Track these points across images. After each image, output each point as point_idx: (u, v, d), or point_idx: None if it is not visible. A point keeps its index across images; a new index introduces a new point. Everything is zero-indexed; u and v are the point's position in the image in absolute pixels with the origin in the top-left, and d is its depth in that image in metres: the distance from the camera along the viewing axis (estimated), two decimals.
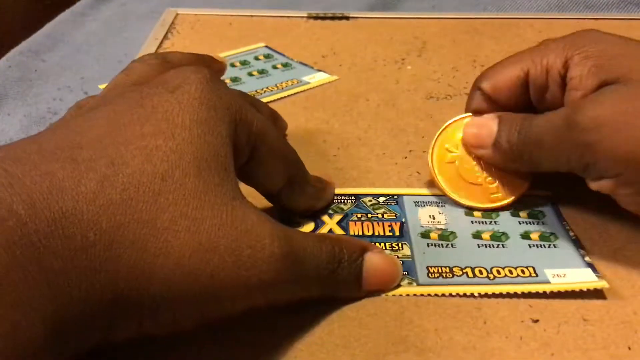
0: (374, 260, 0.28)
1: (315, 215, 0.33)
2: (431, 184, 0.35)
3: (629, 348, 0.26)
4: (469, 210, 0.34)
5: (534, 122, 0.30)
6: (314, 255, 0.26)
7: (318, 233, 0.32)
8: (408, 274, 0.29)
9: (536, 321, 0.27)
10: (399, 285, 0.28)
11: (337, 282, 0.27)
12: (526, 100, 0.33)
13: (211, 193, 0.23)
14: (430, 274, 0.29)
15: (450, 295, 0.28)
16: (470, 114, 0.34)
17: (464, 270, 0.29)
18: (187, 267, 0.22)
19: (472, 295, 0.28)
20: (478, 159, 0.34)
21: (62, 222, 0.20)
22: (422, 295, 0.28)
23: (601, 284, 0.28)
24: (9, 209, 0.20)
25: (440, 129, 0.35)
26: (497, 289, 0.28)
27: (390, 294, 0.28)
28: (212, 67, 0.35)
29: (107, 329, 0.22)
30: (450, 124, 0.35)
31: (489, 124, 0.32)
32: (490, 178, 0.34)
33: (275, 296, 0.25)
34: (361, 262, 0.28)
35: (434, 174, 0.34)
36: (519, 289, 0.28)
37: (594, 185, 0.29)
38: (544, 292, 0.28)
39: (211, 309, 0.23)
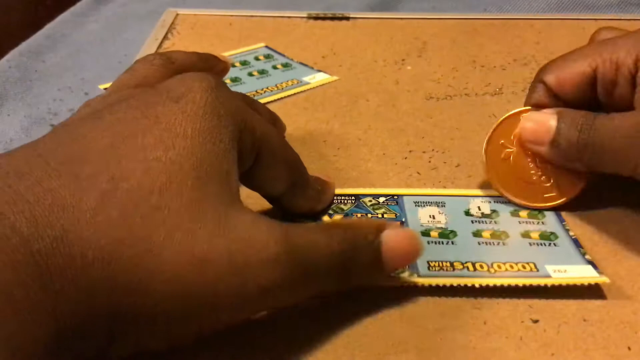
0: (392, 237, 0.26)
1: (315, 216, 0.33)
2: (432, 184, 0.35)
3: (629, 348, 0.26)
4: (522, 208, 0.33)
5: (598, 122, 0.29)
6: (323, 246, 0.25)
7: (326, 223, 0.31)
8: (409, 268, 0.29)
9: (536, 321, 0.27)
10: (400, 276, 0.28)
11: (356, 269, 0.26)
12: (590, 97, 0.32)
13: (207, 202, 0.23)
14: (431, 268, 0.29)
15: (452, 286, 0.28)
16: (528, 108, 0.33)
17: (465, 265, 0.29)
18: (182, 280, 0.22)
19: (472, 287, 0.28)
20: (533, 156, 0.32)
21: (64, 240, 0.20)
22: (422, 285, 0.28)
23: (602, 279, 0.28)
24: (12, 227, 0.20)
25: (496, 123, 0.33)
26: (498, 281, 0.28)
27: (391, 285, 0.28)
28: (216, 66, 0.34)
29: (105, 345, 0.22)
30: (506, 117, 0.33)
31: (547, 119, 0.31)
32: (545, 177, 0.33)
33: (282, 298, 0.24)
34: (379, 243, 0.26)
35: (487, 170, 0.33)
36: (520, 281, 0.28)
37: None
38: (545, 287, 0.28)
39: (209, 320, 0.23)
